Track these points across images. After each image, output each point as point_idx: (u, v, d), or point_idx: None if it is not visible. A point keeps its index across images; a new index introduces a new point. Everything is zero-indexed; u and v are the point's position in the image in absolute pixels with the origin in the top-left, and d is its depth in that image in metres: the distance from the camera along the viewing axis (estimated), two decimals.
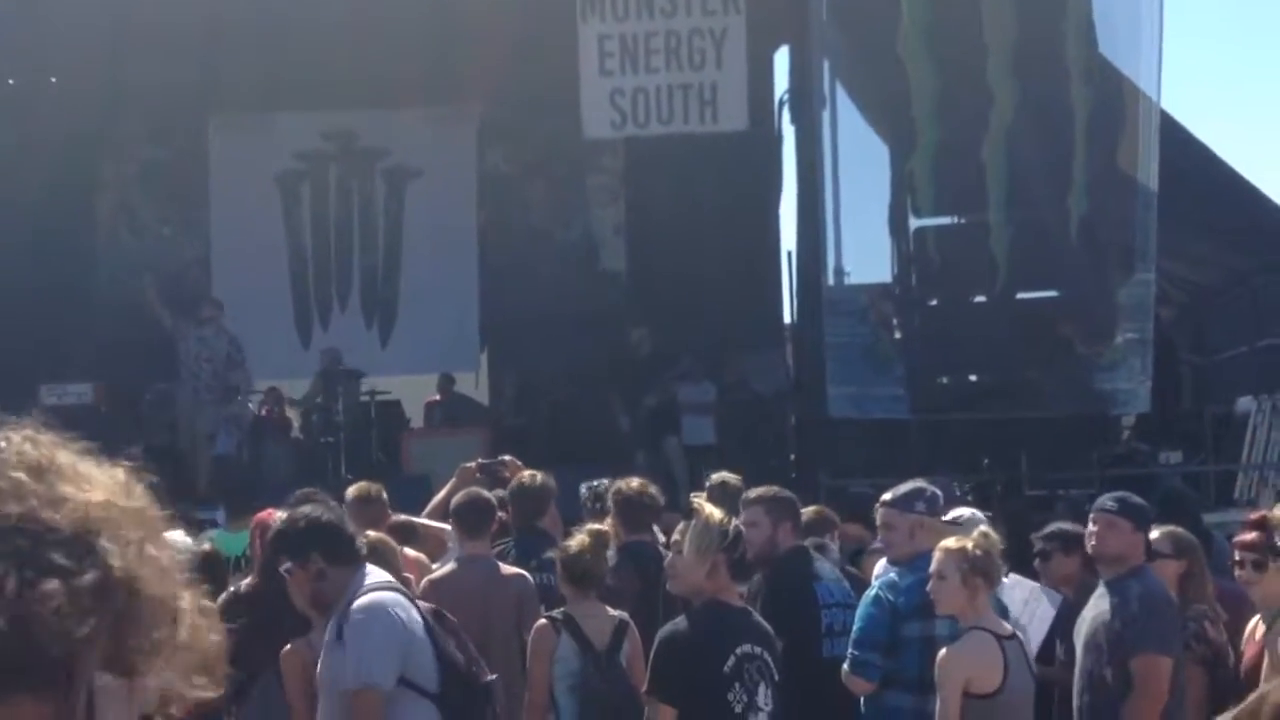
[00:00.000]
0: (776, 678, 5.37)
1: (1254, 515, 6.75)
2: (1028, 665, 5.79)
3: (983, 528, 5.97)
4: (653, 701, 5.34)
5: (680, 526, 5.50)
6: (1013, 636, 5.72)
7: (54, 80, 18.07)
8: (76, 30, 16.17)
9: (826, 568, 6.82)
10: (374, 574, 5.29)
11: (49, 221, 17.23)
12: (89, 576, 1.28)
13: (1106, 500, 6.29)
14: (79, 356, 16.41)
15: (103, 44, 16.30)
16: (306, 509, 5.53)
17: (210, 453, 15.59)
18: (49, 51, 17.12)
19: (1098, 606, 6.12)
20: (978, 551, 5.59)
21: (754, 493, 6.97)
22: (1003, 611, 6.28)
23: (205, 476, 14.85)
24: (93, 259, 18.31)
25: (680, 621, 5.37)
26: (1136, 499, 6.38)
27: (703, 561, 5.29)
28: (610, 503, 7.56)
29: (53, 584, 1.26)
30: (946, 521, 6.52)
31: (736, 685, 5.23)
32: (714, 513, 5.44)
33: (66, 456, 1.38)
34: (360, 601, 5.08)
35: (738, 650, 5.27)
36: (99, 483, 1.36)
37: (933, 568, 5.64)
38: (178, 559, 1.40)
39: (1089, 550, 6.34)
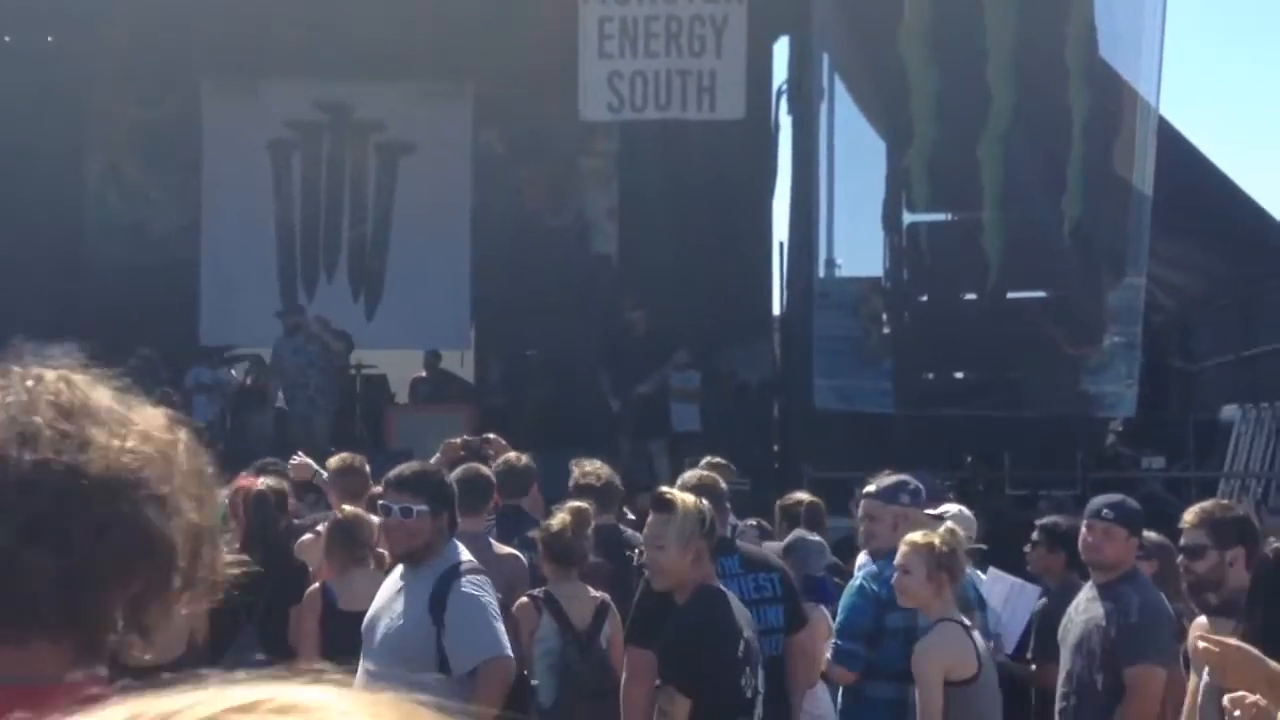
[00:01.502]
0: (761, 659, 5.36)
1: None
2: (989, 653, 5.82)
3: (949, 524, 5.95)
4: (668, 693, 5.15)
5: (651, 520, 5.38)
6: (971, 627, 5.74)
7: (50, 39, 17.96)
8: None
9: (732, 561, 6.27)
10: (463, 549, 5.44)
11: (40, 181, 17.13)
12: (111, 535, 1.22)
13: (1103, 508, 6.20)
14: (65, 318, 16.31)
15: (100, 3, 16.18)
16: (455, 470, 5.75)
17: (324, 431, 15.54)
18: (47, 8, 17.00)
19: (1090, 610, 6.08)
20: (944, 548, 5.59)
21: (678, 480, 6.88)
22: (981, 605, 6.28)
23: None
24: (82, 221, 18.22)
25: (687, 611, 5.21)
26: (1131, 504, 6.33)
27: (687, 552, 5.21)
28: (571, 487, 7.55)
29: (36, 551, 1.20)
30: (931, 515, 6.51)
31: (746, 670, 5.17)
32: (688, 502, 5.35)
33: (103, 397, 1.31)
34: (478, 578, 5.27)
35: (744, 635, 5.21)
36: (135, 428, 1.29)
37: (897, 561, 5.63)
38: (216, 516, 1.35)
39: (1083, 556, 6.30)
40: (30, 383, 1.30)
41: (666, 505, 5.30)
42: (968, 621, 5.75)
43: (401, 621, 5.25)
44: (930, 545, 5.58)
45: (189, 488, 1.30)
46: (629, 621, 5.75)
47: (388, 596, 5.40)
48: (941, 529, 5.78)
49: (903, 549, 5.63)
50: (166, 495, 1.27)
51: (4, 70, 17.14)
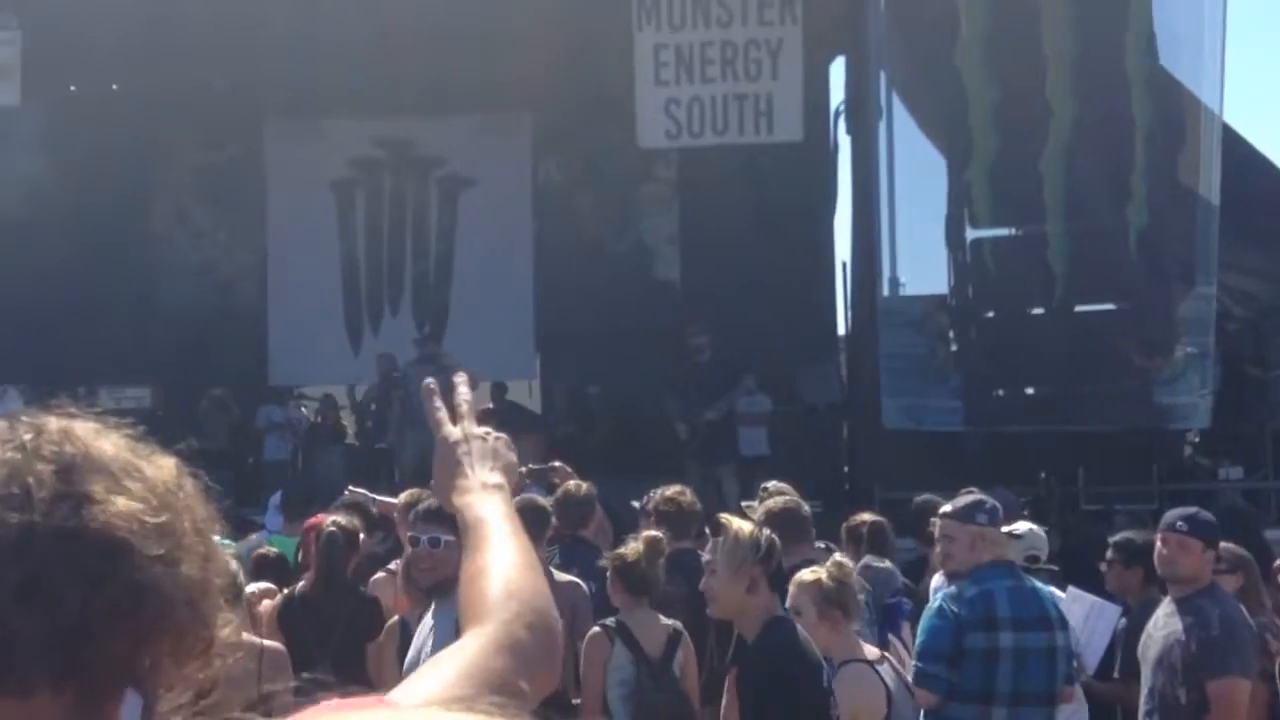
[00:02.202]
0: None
1: None
2: (904, 685, 5.59)
3: (838, 556, 5.74)
4: None
5: (710, 545, 5.27)
6: (883, 660, 5.51)
7: (115, 87, 18.24)
8: (136, 37, 16.29)
9: None
10: None
11: (109, 227, 17.39)
12: (105, 591, 1.20)
13: (1177, 520, 6.12)
14: (137, 361, 16.55)
15: (162, 50, 16.42)
16: None
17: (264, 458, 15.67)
18: (110, 58, 17.27)
19: (1169, 625, 5.99)
20: (831, 583, 5.33)
21: (762, 505, 6.84)
22: (1063, 624, 6.17)
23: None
24: (150, 264, 18.46)
25: (764, 645, 5.03)
26: (1206, 516, 6.24)
27: (739, 578, 5.05)
28: (650, 512, 7.53)
29: (27, 614, 1.19)
30: (1007, 533, 6.43)
31: (831, 699, 5.10)
32: (743, 526, 5.24)
33: (108, 447, 1.28)
34: None
35: (824, 664, 5.12)
36: (138, 481, 1.26)
37: (788, 603, 5.39)
38: (222, 569, 1.31)
39: (1159, 571, 6.22)
40: (29, 436, 1.26)
41: (718, 529, 5.25)
42: (876, 654, 5.54)
43: (430, 655, 5.23)
44: (818, 582, 5.33)
45: (192, 543, 1.27)
46: (733, 642, 5.68)
47: (423, 635, 5.39)
48: (829, 563, 5.53)
49: (791, 590, 5.36)
50: (166, 551, 1.24)
51: (71, 119, 17.41)
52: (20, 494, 1.22)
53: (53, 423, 1.29)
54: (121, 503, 1.24)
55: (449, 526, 5.27)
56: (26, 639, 1.19)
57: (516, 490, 7.16)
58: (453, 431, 2.02)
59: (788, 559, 6.37)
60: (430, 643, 5.27)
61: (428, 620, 5.40)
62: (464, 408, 2.07)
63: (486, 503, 1.91)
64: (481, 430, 2.05)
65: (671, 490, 7.69)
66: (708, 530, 5.45)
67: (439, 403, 2.06)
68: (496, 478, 1.98)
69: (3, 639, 1.19)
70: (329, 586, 6.79)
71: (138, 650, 1.23)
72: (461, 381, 2.11)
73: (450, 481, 1.99)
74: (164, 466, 1.31)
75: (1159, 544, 6.16)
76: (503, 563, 1.77)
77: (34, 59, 15.90)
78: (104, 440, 1.29)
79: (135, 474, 1.27)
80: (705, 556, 5.26)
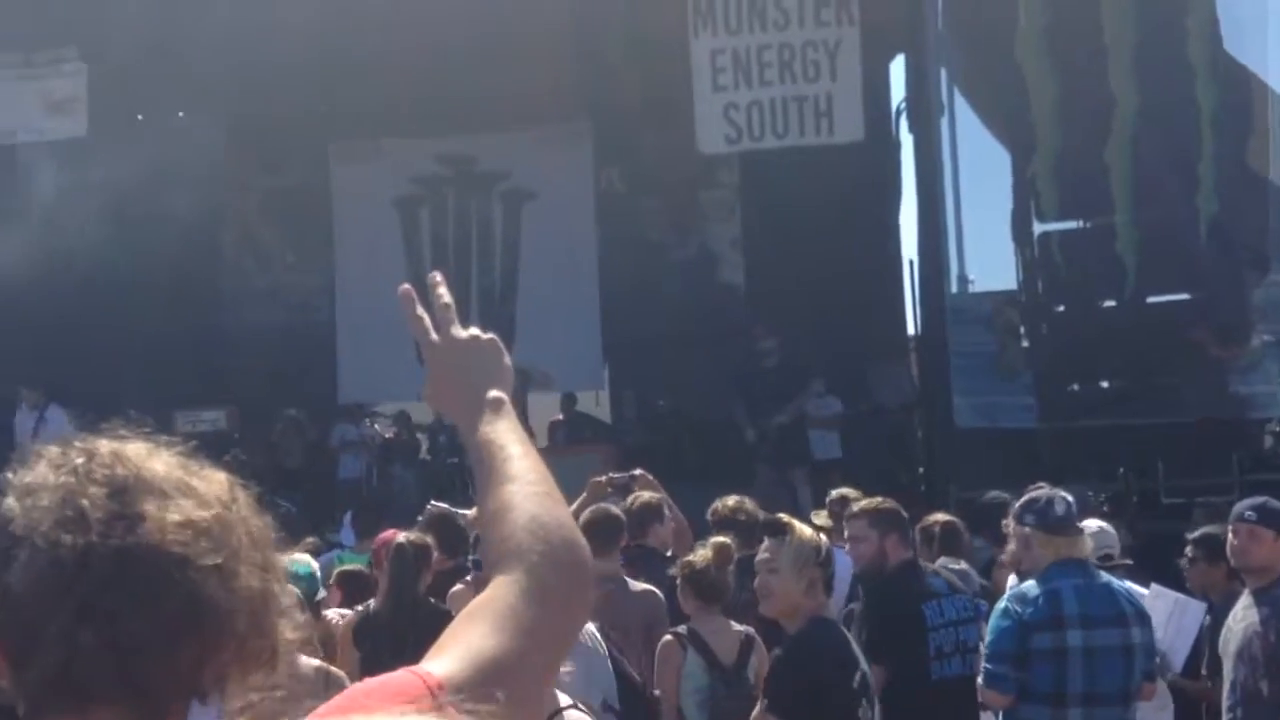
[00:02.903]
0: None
1: None
2: None
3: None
4: None
5: (765, 545, 5.37)
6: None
7: (181, 115, 18.47)
8: (200, 65, 16.50)
9: (941, 582, 6.60)
10: None
11: (178, 253, 17.58)
12: (162, 607, 1.22)
13: (1245, 510, 6.08)
14: (212, 384, 16.74)
15: (225, 77, 16.61)
16: None
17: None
18: (175, 87, 17.49)
19: (1247, 617, 5.93)
20: None
21: (859, 505, 6.89)
22: (1143, 621, 6.07)
23: None
24: (221, 289, 18.67)
25: (802, 639, 5.18)
26: (1276, 505, 6.18)
27: (801, 579, 5.19)
28: (710, 522, 7.56)
29: (88, 634, 1.21)
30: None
31: (864, 701, 5.10)
32: (804, 529, 5.37)
33: (160, 466, 1.30)
34: None
35: (861, 665, 5.15)
36: (191, 497, 1.28)
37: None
38: (279, 580, 1.32)
39: (1232, 562, 6.16)
40: (81, 460, 1.28)
41: (781, 529, 5.33)
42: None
43: None
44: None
45: (248, 554, 1.29)
46: None
47: None
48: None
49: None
50: (221, 564, 1.25)
51: (138, 148, 17.60)
52: (75, 517, 1.24)
53: (104, 446, 1.31)
54: (175, 519, 1.26)
55: None
56: (87, 658, 1.21)
57: (597, 499, 7.15)
58: (437, 339, 1.90)
59: (887, 558, 6.43)
60: None
61: None
62: (448, 313, 1.92)
63: (492, 422, 1.79)
64: (469, 333, 1.91)
65: (733, 500, 7.75)
66: (764, 532, 5.52)
67: (420, 310, 1.92)
68: (495, 390, 1.84)
69: (64, 659, 1.21)
70: (399, 602, 6.81)
71: (200, 664, 1.24)
72: (439, 283, 1.95)
73: (446, 393, 1.88)
74: (216, 481, 1.33)
75: (1230, 535, 6.13)
76: (524, 494, 1.69)
77: (99, 90, 16.13)
78: (155, 460, 1.31)
79: (187, 491, 1.29)
80: (761, 555, 5.32)
